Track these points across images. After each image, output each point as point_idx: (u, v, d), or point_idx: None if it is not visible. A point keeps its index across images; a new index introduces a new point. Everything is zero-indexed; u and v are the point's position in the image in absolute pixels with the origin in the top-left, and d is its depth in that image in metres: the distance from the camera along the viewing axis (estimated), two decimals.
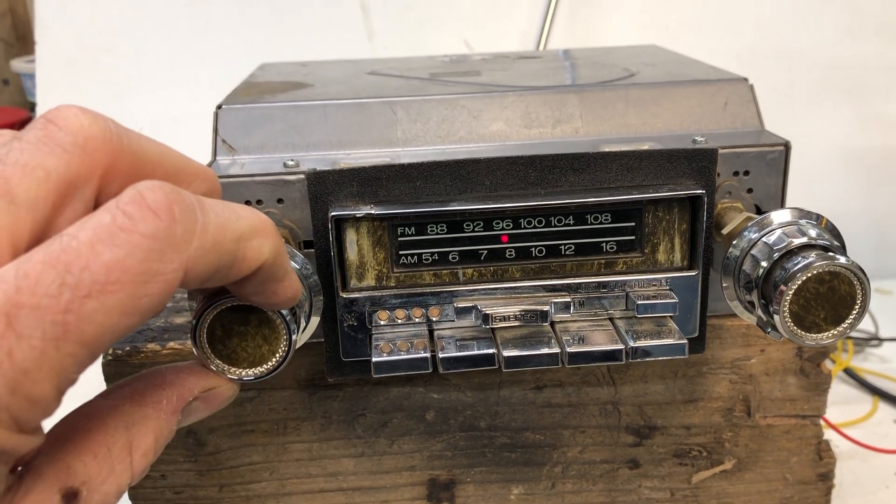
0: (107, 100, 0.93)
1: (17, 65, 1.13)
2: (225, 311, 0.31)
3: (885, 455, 0.61)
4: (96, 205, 0.25)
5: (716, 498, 0.49)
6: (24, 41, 1.25)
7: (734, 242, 0.37)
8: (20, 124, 1.02)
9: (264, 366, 0.32)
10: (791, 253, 0.35)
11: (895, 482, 0.60)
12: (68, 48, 0.93)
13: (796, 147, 1.01)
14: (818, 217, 0.37)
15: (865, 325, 0.81)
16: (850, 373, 0.73)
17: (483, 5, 0.95)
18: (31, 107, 1.09)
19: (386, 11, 0.94)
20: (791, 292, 0.34)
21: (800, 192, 0.96)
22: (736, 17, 0.93)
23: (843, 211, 0.97)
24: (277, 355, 0.32)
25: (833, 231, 0.37)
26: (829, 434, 0.58)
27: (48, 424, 0.25)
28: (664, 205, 0.38)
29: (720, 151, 0.40)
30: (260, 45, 0.93)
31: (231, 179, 0.40)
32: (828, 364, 0.47)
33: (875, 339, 0.79)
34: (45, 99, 0.93)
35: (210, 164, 0.41)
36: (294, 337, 0.32)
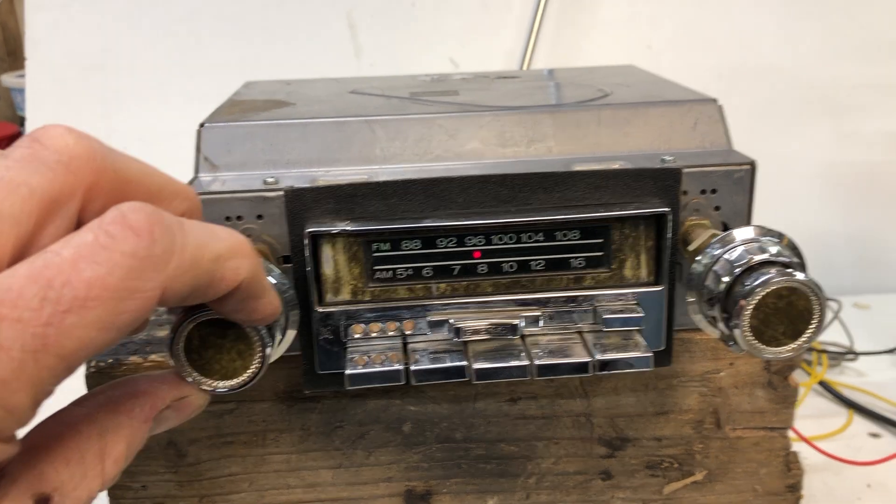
0: (96, 116, 0.94)
1: (7, 79, 1.15)
2: (202, 323, 0.33)
3: (858, 467, 0.63)
4: (79, 222, 0.26)
5: None
6: (14, 56, 1.27)
7: (698, 258, 0.38)
8: (9, 138, 1.03)
9: (237, 379, 0.33)
10: (751, 269, 0.36)
11: (867, 494, 0.62)
12: (58, 64, 0.94)
13: (778, 165, 1.03)
14: (780, 235, 0.38)
15: (842, 339, 0.83)
16: (826, 386, 0.75)
17: (469, 24, 0.96)
18: (21, 121, 1.10)
19: (373, 29, 0.96)
20: (751, 307, 0.35)
21: (780, 208, 0.97)
22: (718, 36, 0.95)
23: (824, 227, 0.99)
24: (250, 370, 0.33)
25: (794, 249, 0.38)
26: (802, 447, 0.60)
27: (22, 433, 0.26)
28: (630, 222, 0.39)
29: (688, 170, 0.41)
30: (249, 61, 0.94)
31: (212, 196, 0.41)
32: (797, 377, 0.48)
33: (851, 353, 0.80)
34: (35, 114, 0.94)
35: (192, 181, 0.43)
36: (268, 352, 0.33)
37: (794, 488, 0.50)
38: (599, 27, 0.96)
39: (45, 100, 0.94)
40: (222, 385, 0.33)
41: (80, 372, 0.45)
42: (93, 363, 0.45)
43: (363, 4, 0.95)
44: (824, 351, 0.79)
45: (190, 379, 0.32)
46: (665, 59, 0.96)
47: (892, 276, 0.97)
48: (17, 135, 1.05)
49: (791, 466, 0.49)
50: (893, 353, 0.78)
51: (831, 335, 0.83)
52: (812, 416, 0.72)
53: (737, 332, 0.35)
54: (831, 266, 1.00)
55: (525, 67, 0.92)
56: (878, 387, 0.75)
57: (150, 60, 0.94)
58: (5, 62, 1.26)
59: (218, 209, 0.41)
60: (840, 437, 0.69)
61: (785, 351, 0.36)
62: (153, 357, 0.45)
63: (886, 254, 0.99)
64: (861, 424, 0.71)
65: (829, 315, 0.84)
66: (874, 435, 0.69)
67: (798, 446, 0.58)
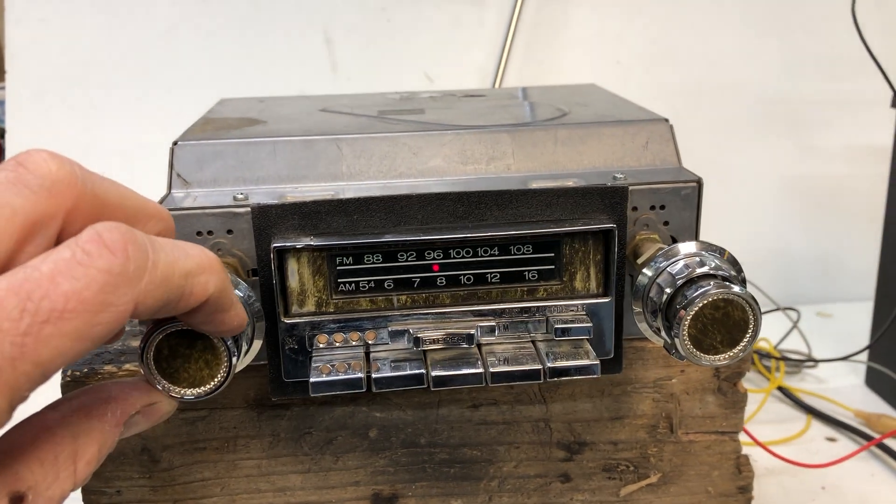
0: (76, 129, 0.95)
1: None
2: (172, 334, 0.34)
3: (813, 470, 0.65)
4: (59, 241, 0.28)
5: None
6: None
7: (643, 271, 0.41)
8: None
9: (203, 387, 0.35)
10: (691, 281, 0.38)
11: (822, 496, 0.64)
12: (38, 78, 0.95)
13: (740, 177, 1.05)
14: (721, 250, 0.41)
15: (801, 346, 0.85)
16: (785, 392, 0.77)
17: (443, 40, 0.98)
18: (0, 133, 1.11)
19: (349, 45, 0.98)
20: (689, 317, 0.37)
21: (744, 220, 1.01)
22: (683, 53, 0.98)
23: (787, 239, 1.02)
24: (216, 379, 0.35)
25: (734, 263, 0.40)
26: (758, 451, 0.62)
27: None
28: (580, 237, 0.42)
29: (638, 187, 0.44)
30: (226, 76, 0.96)
31: (184, 212, 0.43)
32: (744, 384, 0.50)
33: (811, 361, 0.82)
34: (15, 126, 0.95)
35: (165, 197, 0.44)
36: (234, 362, 0.35)
37: (745, 490, 0.52)
38: (570, 43, 0.98)
39: (25, 113, 0.95)
40: (190, 393, 0.35)
41: (55, 381, 0.47)
42: (68, 372, 0.46)
43: (340, 20, 0.97)
44: (783, 358, 0.81)
45: (160, 387, 0.34)
46: (633, 74, 0.98)
47: (853, 285, 1.00)
48: None
49: (742, 469, 0.52)
50: (850, 360, 0.80)
51: (792, 343, 0.86)
52: (771, 421, 0.74)
53: (677, 340, 0.37)
54: (794, 276, 1.03)
55: (498, 82, 0.94)
56: (836, 392, 0.78)
57: (128, 75, 0.95)
58: None
59: (190, 224, 0.42)
60: (798, 442, 0.71)
61: (722, 358, 0.38)
62: (127, 366, 0.47)
63: (847, 263, 1.02)
64: (818, 429, 0.73)
65: (788, 324, 0.86)
66: (831, 439, 0.72)
67: (756, 451, 0.60)
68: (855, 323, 0.90)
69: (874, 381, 0.79)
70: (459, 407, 0.49)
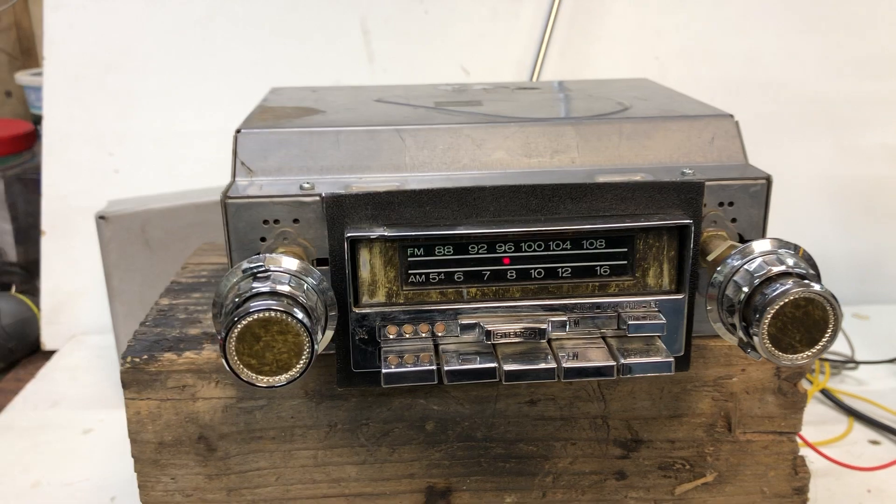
0: (111, 116, 0.95)
1: (22, 77, 1.16)
2: (250, 322, 0.34)
3: (858, 473, 0.65)
4: None
5: None
6: (28, 54, 1.28)
7: (718, 268, 0.40)
8: (24, 136, 1.04)
9: (289, 372, 0.34)
10: (770, 280, 0.38)
11: (868, 499, 0.64)
12: (75, 64, 0.95)
13: (780, 177, 1.04)
14: (796, 247, 0.40)
15: (843, 348, 0.85)
16: (826, 394, 0.77)
17: (480, 33, 0.98)
18: (35, 119, 1.11)
19: (386, 36, 0.97)
20: (770, 316, 0.37)
21: (783, 220, 0.99)
22: (723, 50, 0.97)
23: (824, 239, 1.01)
24: (301, 362, 0.35)
25: (809, 260, 0.40)
26: (805, 452, 0.61)
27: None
28: (654, 233, 0.41)
29: (707, 184, 0.43)
30: (263, 64, 0.96)
31: (252, 200, 0.42)
32: (804, 384, 0.50)
33: (852, 363, 0.82)
34: (52, 113, 0.96)
35: (230, 185, 0.44)
36: (316, 345, 0.35)
37: (801, 491, 0.52)
38: (608, 38, 0.98)
39: (61, 99, 0.95)
40: (277, 379, 0.34)
41: (115, 367, 0.47)
42: (128, 359, 0.46)
43: (377, 11, 0.97)
44: (826, 360, 0.81)
45: (243, 377, 0.34)
46: (672, 70, 0.98)
47: (891, 287, 0.99)
48: (32, 133, 1.06)
49: (798, 470, 0.51)
50: (893, 363, 0.80)
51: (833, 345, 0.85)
52: (814, 422, 0.74)
53: (756, 339, 0.37)
54: (831, 277, 1.01)
55: (536, 76, 0.94)
56: (878, 395, 0.77)
57: (164, 62, 0.95)
58: (19, 60, 1.27)
59: (257, 213, 0.42)
60: (841, 444, 0.71)
61: (801, 358, 0.37)
62: (187, 354, 0.46)
63: (885, 266, 1.01)
64: (861, 432, 0.73)
65: None
66: (874, 442, 0.71)
67: (802, 451, 0.60)
68: (893, 325, 0.90)
69: None
70: (517, 402, 0.48)
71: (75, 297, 0.95)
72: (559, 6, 0.95)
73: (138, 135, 0.96)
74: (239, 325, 0.34)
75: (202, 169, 0.91)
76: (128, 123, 0.96)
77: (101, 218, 0.76)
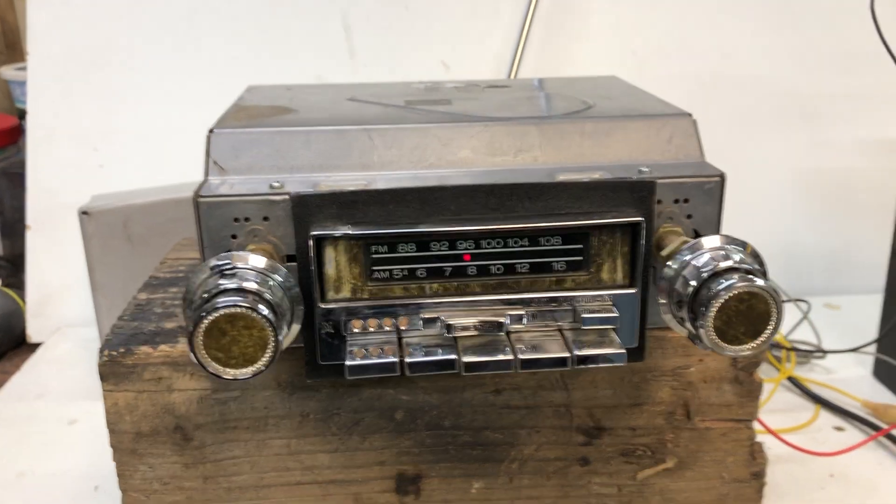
0: (96, 111, 0.96)
1: (6, 72, 1.16)
2: (217, 318, 0.36)
3: (821, 458, 0.67)
4: None
5: (659, 494, 0.54)
6: (13, 49, 1.29)
7: (669, 263, 0.42)
8: (9, 131, 1.05)
9: (255, 365, 0.36)
10: (717, 275, 0.39)
11: (830, 484, 0.66)
12: (60, 59, 0.96)
13: (754, 170, 1.06)
14: (744, 244, 0.42)
15: (811, 338, 0.87)
16: (794, 382, 0.79)
17: (460, 29, 0.99)
18: (20, 113, 1.12)
19: (367, 32, 0.98)
20: (715, 309, 0.38)
21: (756, 212, 1.02)
22: (699, 45, 0.99)
23: (797, 231, 1.03)
24: (266, 356, 0.36)
25: (756, 256, 0.42)
26: (770, 439, 0.64)
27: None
28: (608, 230, 0.43)
29: (663, 181, 0.45)
30: (246, 60, 0.97)
31: (222, 199, 0.44)
32: (761, 374, 0.52)
33: (820, 351, 0.84)
34: (37, 107, 0.96)
35: (203, 184, 0.46)
36: (280, 339, 0.36)
37: (758, 476, 0.54)
38: (586, 34, 0.99)
39: (46, 94, 0.96)
40: (242, 372, 0.36)
41: (94, 361, 0.48)
42: (105, 353, 0.48)
43: (358, 6, 0.98)
44: (793, 349, 0.83)
45: (210, 370, 0.36)
46: (648, 65, 0.99)
47: (862, 278, 1.01)
48: (16, 127, 1.07)
49: (756, 456, 0.53)
50: (860, 352, 0.82)
51: (801, 334, 0.88)
52: (781, 410, 0.76)
53: (702, 331, 0.39)
54: (803, 268, 1.04)
55: (514, 72, 0.95)
56: (844, 383, 0.79)
57: (149, 58, 0.96)
58: (4, 55, 1.28)
59: (228, 211, 0.44)
60: (806, 431, 0.73)
61: (745, 349, 0.39)
62: (162, 347, 0.48)
63: (857, 257, 1.03)
64: (827, 418, 0.75)
65: (798, 315, 0.88)
66: (839, 428, 0.73)
67: (766, 438, 0.62)
68: (863, 315, 0.91)
69: (882, 372, 0.80)
70: (483, 391, 0.50)
71: (61, 291, 0.97)
72: (537, 3, 0.96)
73: (123, 130, 0.97)
74: (206, 321, 0.36)
75: (187, 164, 0.92)
76: (112, 119, 0.97)
77: (83, 213, 0.78)
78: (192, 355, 0.36)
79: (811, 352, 0.84)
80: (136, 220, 0.79)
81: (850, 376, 0.82)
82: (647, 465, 0.53)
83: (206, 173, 0.47)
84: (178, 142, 0.96)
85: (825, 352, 0.84)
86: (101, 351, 0.48)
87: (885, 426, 0.71)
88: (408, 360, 0.41)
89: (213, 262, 0.40)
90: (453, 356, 0.41)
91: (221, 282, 0.38)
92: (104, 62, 0.96)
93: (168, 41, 0.96)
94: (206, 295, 0.38)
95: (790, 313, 0.91)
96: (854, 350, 0.81)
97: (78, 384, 0.82)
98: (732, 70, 0.99)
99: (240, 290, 0.38)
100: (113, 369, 0.48)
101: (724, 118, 1.00)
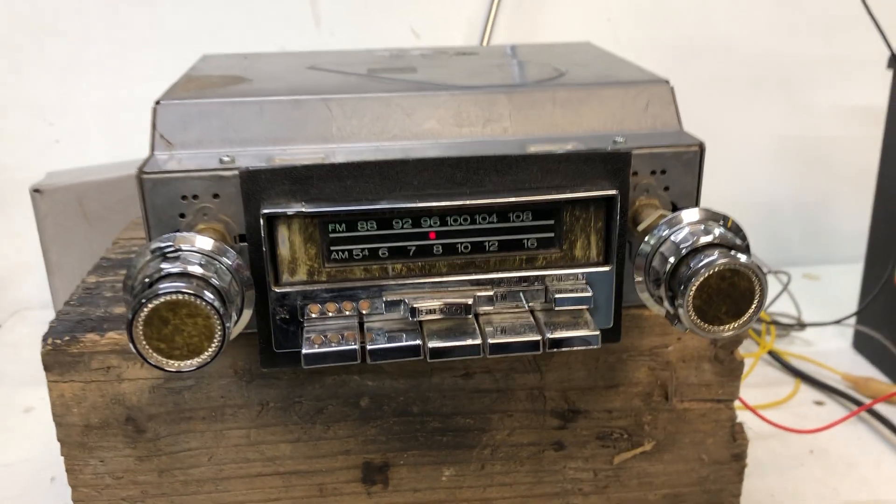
0: (52, 83, 0.92)
1: None
2: (158, 305, 0.33)
3: (801, 435, 0.65)
4: None
5: (637, 478, 0.52)
6: None
7: (646, 239, 0.39)
8: None
9: (200, 356, 0.33)
10: (696, 251, 0.37)
11: (810, 460, 0.64)
12: (9, 29, 0.91)
13: (732, 137, 1.04)
14: (725, 217, 0.40)
15: (791, 310, 0.85)
16: (774, 356, 0.77)
17: None
18: None
19: None
20: (694, 287, 0.36)
21: (732, 180, 1.00)
22: (674, 10, 0.96)
23: (775, 199, 1.02)
24: (212, 347, 0.33)
25: (738, 231, 0.39)
26: (747, 415, 0.62)
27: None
28: (581, 204, 0.40)
29: (639, 152, 0.42)
30: (207, 30, 0.93)
31: (168, 175, 0.41)
32: (741, 352, 0.50)
33: (799, 324, 0.82)
34: None
35: (148, 159, 0.42)
36: (228, 328, 0.34)
37: (739, 457, 0.52)
38: None
39: None
40: (186, 364, 0.33)
41: (37, 350, 0.45)
42: (49, 340, 0.45)
43: None
44: (774, 322, 0.81)
45: (151, 361, 0.33)
46: (623, 31, 0.96)
47: (841, 247, 1.00)
48: None
49: (736, 437, 0.51)
50: (840, 324, 0.80)
51: (781, 306, 0.86)
52: (760, 385, 0.74)
53: (681, 311, 0.36)
54: (782, 237, 1.02)
55: (486, 39, 0.92)
56: (824, 356, 0.78)
57: (105, 28, 0.92)
58: None
59: (175, 188, 0.41)
60: (786, 406, 0.72)
61: (727, 329, 0.37)
62: (111, 335, 0.45)
63: (835, 225, 1.02)
64: (807, 392, 0.73)
65: (777, 287, 0.86)
66: (819, 403, 0.72)
67: (744, 415, 0.60)
68: (842, 286, 0.90)
69: (862, 344, 0.79)
70: (452, 375, 0.48)
71: (17, 272, 0.93)
72: None
73: (79, 103, 0.93)
74: (146, 308, 0.33)
75: (147, 139, 0.89)
76: (67, 91, 0.93)
77: (35, 191, 0.74)
78: (131, 346, 0.33)
79: (791, 325, 0.82)
80: (91, 197, 0.76)
81: (831, 349, 0.80)
82: (623, 448, 0.51)
83: (152, 148, 0.44)
84: (137, 115, 0.92)
85: (805, 324, 0.82)
86: (45, 339, 0.45)
87: (865, 399, 0.70)
88: (369, 346, 0.39)
89: (155, 244, 0.37)
90: (418, 342, 0.39)
91: (163, 266, 0.35)
92: (57, 31, 0.92)
93: (125, 8, 0.92)
94: (146, 280, 0.35)
95: (770, 286, 0.89)
96: (837, 322, 0.79)
97: (35, 370, 0.78)
98: (709, 35, 0.97)
99: (183, 275, 0.35)
100: (57, 358, 0.45)
101: (701, 85, 0.97)
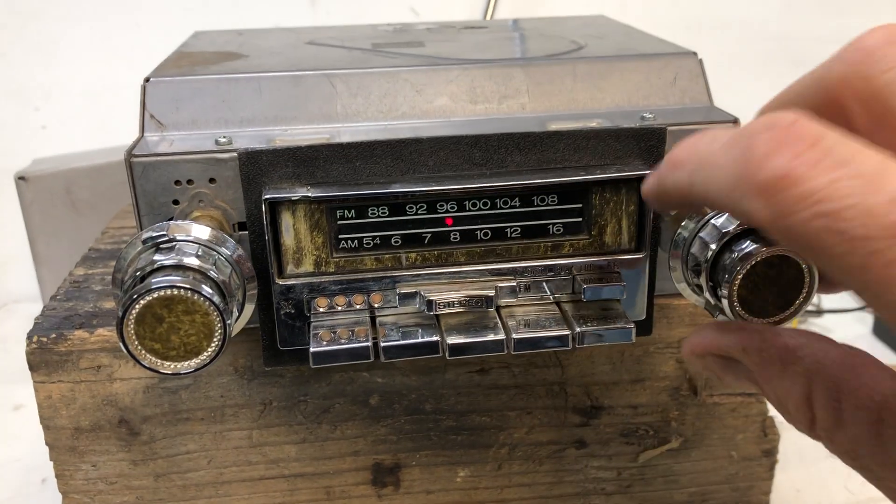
0: (36, 65, 0.88)
1: None
2: (151, 302, 0.30)
3: None
4: None
5: (662, 476, 0.49)
6: None
7: (683, 224, 0.36)
8: None
9: (199, 357, 0.30)
10: (739, 236, 0.34)
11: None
12: None
13: (742, 116, 1.01)
14: None
15: None
16: None
17: None
18: None
19: None
20: (740, 276, 0.33)
21: None
22: None
23: None
24: (212, 347, 0.30)
25: None
26: (767, 406, 0.59)
27: None
28: (612, 186, 0.37)
29: (669, 129, 0.39)
30: (197, 10, 0.90)
31: (159, 158, 0.37)
32: None
33: (819, 311, 0.80)
34: None
35: (137, 141, 0.39)
36: (229, 326, 0.30)
37: (770, 453, 0.49)
38: None
39: None
40: (184, 365, 0.30)
41: (22, 349, 0.42)
42: (34, 338, 0.42)
43: None
44: None
45: (145, 363, 0.29)
46: (631, 8, 0.93)
47: None
48: None
49: (767, 431, 0.49)
50: (860, 311, 0.78)
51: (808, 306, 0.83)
52: None
53: (724, 301, 0.33)
54: None
55: (489, 16, 0.89)
56: (845, 343, 0.75)
57: (93, 8, 0.88)
58: None
59: (167, 172, 0.37)
60: None
61: (773, 320, 0.34)
62: (100, 331, 0.42)
63: None
64: None
65: None
66: None
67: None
68: None
69: (882, 331, 0.76)
70: (467, 371, 0.45)
71: (4, 264, 0.90)
72: None
73: (66, 88, 0.89)
74: (138, 305, 0.30)
75: (133, 122, 0.86)
76: (54, 75, 0.89)
77: (20, 178, 0.71)
78: (122, 346, 0.30)
79: (810, 312, 0.79)
80: (80, 184, 0.72)
81: (850, 335, 0.77)
82: (649, 445, 0.48)
83: (142, 129, 0.41)
84: (127, 99, 0.88)
85: (822, 311, 0.79)
86: (29, 337, 0.42)
87: None
88: (383, 343, 0.35)
89: (147, 233, 0.33)
90: (436, 338, 0.36)
91: (156, 257, 0.32)
92: (42, 13, 0.88)
93: None
94: (138, 274, 0.32)
95: None
96: (856, 309, 0.77)
97: (25, 366, 0.76)
98: (719, 12, 0.94)
99: (178, 267, 0.31)
100: (44, 357, 0.42)
101: (710, 62, 0.94)
